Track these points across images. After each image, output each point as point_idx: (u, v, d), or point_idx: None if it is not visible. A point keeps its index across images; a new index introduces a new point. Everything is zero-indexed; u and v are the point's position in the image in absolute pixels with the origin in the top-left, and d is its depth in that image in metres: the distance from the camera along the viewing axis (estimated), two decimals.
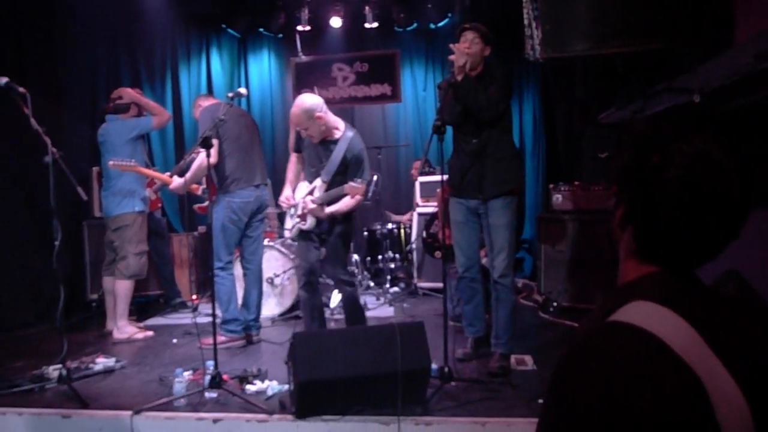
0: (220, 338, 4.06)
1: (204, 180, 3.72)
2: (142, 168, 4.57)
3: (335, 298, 5.22)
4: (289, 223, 4.00)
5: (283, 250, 5.30)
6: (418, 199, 6.36)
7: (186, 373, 3.46)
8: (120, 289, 4.65)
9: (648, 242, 1.03)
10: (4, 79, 3.54)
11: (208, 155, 3.53)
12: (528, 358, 3.80)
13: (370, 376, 2.90)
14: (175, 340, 4.62)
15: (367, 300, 5.63)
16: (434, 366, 3.13)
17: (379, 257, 6.20)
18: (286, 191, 3.95)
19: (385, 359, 2.91)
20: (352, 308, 3.97)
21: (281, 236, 5.95)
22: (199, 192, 4.91)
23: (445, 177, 3.70)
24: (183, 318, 5.39)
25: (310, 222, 3.82)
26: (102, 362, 3.88)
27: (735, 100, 3.15)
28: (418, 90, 7.70)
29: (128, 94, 4.87)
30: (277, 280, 5.23)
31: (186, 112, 7.22)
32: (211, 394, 3.21)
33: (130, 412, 3.02)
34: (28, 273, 5.19)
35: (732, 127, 3.51)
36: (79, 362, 3.84)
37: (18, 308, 5.11)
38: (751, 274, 2.81)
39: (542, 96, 7.29)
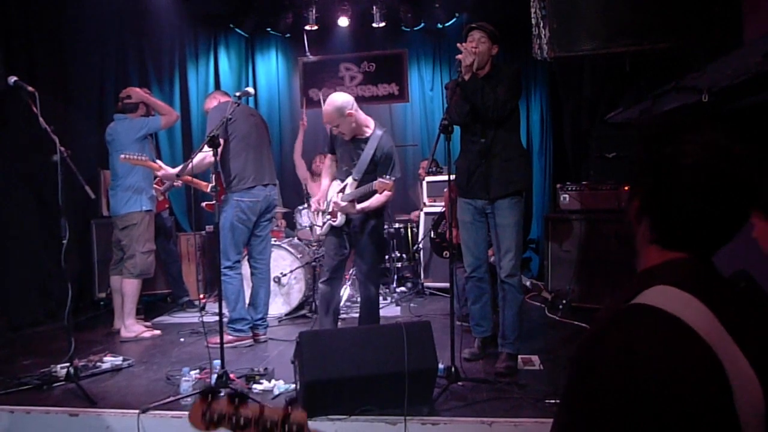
0: (227, 337, 4.07)
1: (213, 178, 3.72)
2: (152, 162, 4.57)
3: (342, 296, 5.23)
4: (319, 219, 4.06)
5: (290, 249, 5.31)
6: (425, 198, 6.36)
7: (193, 372, 3.46)
8: (127, 288, 4.67)
9: (667, 229, 1.05)
10: (13, 78, 3.57)
11: (215, 154, 3.54)
12: (535, 358, 3.79)
13: (376, 376, 2.89)
14: (182, 339, 4.64)
15: None
16: (441, 366, 3.13)
17: (386, 257, 6.20)
18: (320, 194, 4.03)
19: (391, 359, 2.90)
20: (369, 310, 3.99)
21: (288, 236, 5.97)
22: (208, 189, 4.91)
23: (452, 177, 3.69)
24: (190, 317, 5.41)
25: (340, 219, 3.88)
26: (110, 361, 3.90)
27: (744, 99, 3.13)
28: (426, 90, 7.69)
29: (137, 93, 4.88)
30: (284, 280, 5.24)
31: (194, 111, 7.25)
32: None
33: (137, 411, 3.02)
34: (37, 271, 5.22)
35: (740, 126, 3.49)
36: (87, 361, 3.86)
37: (27, 306, 5.13)
38: (763, 279, 2.79)
39: (550, 95, 7.27)
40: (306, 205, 5.89)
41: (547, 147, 7.30)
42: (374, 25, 7.10)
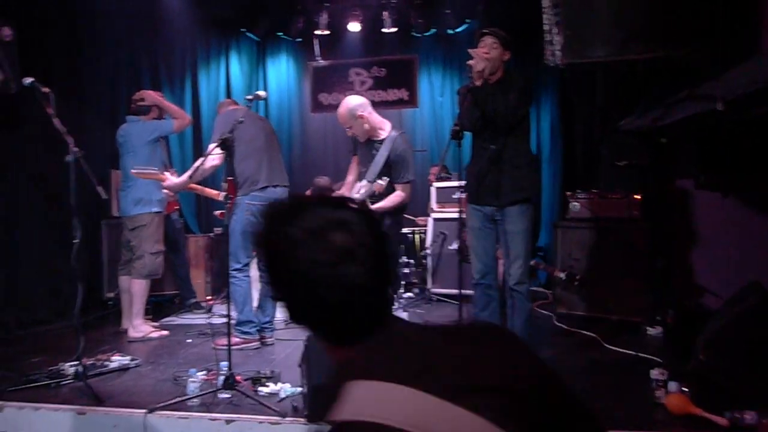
0: (234, 339, 4.06)
1: (225, 186, 3.74)
2: (160, 174, 4.59)
3: None
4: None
5: None
6: (433, 204, 6.34)
7: (200, 374, 3.46)
8: (136, 288, 4.68)
9: (323, 332, 1.02)
10: (29, 79, 3.60)
11: (229, 155, 3.55)
12: None
13: None
14: (189, 340, 4.64)
15: None
16: None
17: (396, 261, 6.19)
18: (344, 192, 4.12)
19: None
20: None
21: None
22: (220, 198, 4.92)
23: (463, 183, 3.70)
24: (197, 318, 5.41)
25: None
26: (117, 360, 3.91)
27: (760, 108, 3.10)
28: (435, 95, 7.69)
29: (150, 96, 4.91)
30: None
31: (205, 115, 7.28)
32: (224, 395, 3.21)
33: (144, 411, 3.03)
34: (47, 270, 5.25)
35: (757, 136, 3.47)
36: (95, 359, 3.87)
37: (36, 304, 5.16)
38: None
39: (560, 102, 7.24)
40: None
41: (556, 154, 7.27)
42: (385, 30, 7.12)
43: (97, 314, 5.47)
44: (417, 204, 7.27)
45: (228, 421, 2.95)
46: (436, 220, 6.20)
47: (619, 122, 4.96)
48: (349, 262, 0.93)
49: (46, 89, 3.56)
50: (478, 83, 3.38)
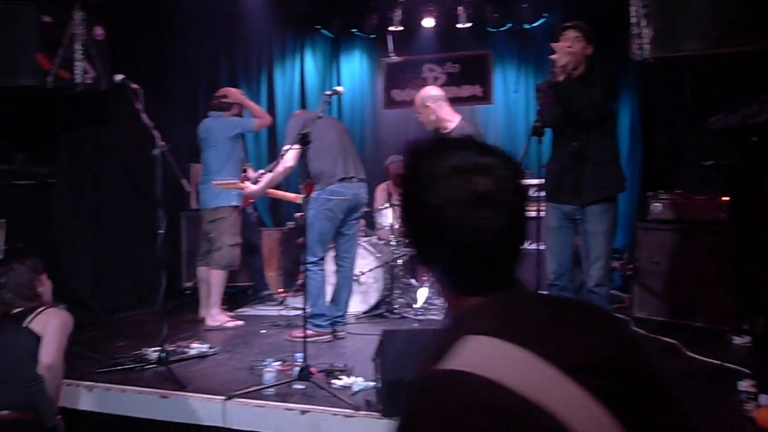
0: (307, 332, 4.13)
1: (304, 187, 3.81)
2: (240, 184, 4.72)
3: (420, 297, 5.21)
4: None
5: (369, 248, 5.34)
6: None
7: (275, 364, 3.53)
8: (214, 279, 4.83)
9: (449, 275, 0.98)
10: (120, 76, 3.77)
11: (305, 151, 3.61)
12: None
13: None
14: (263, 331, 4.75)
15: None
16: None
17: None
18: None
19: None
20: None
21: (368, 235, 6.01)
22: (300, 200, 5.01)
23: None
24: (270, 310, 5.54)
25: None
26: (196, 347, 4.05)
27: None
28: (509, 92, 7.54)
29: (233, 94, 5.07)
30: (362, 278, 5.27)
31: (279, 112, 7.41)
32: (298, 386, 3.27)
33: (222, 398, 3.12)
34: (131, 259, 5.49)
35: None
36: (175, 346, 4.02)
37: (121, 292, 5.41)
38: None
39: (641, 98, 6.96)
40: (387, 205, 5.91)
41: (636, 153, 6.98)
42: (459, 25, 7.03)
43: (176, 303, 5.68)
44: None
45: (303, 412, 3.00)
46: None
47: (706, 120, 4.73)
48: (488, 207, 0.90)
49: (135, 86, 3.72)
50: (560, 78, 3.29)
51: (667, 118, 6.11)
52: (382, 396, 2.94)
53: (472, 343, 0.86)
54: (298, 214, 5.36)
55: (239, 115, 5.06)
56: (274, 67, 7.54)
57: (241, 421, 3.07)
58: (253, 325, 4.96)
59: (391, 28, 7.18)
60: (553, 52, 3.32)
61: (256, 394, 3.17)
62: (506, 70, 7.55)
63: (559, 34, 3.46)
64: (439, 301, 5.41)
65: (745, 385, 2.92)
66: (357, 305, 5.27)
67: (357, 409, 2.98)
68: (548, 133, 3.55)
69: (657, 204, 5.09)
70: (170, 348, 3.88)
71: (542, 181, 3.66)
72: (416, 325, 4.96)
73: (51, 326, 2.64)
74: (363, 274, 5.27)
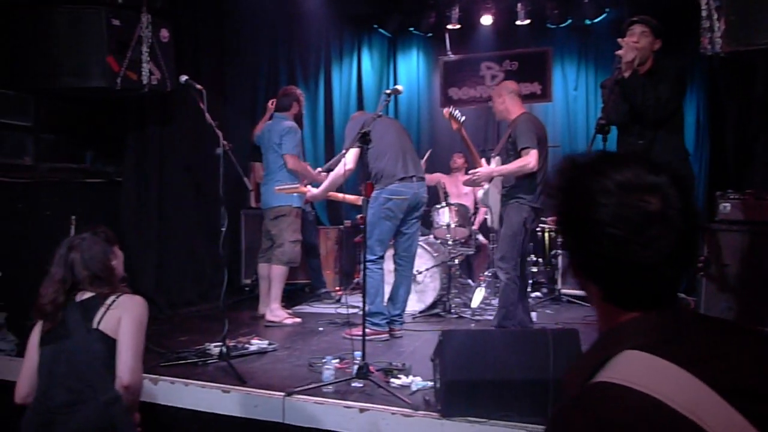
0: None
1: (365, 189, 3.82)
2: (303, 188, 4.78)
3: (477, 297, 5.16)
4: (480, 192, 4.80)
5: (426, 248, 5.33)
6: None
7: (334, 361, 3.56)
8: (276, 274, 4.92)
9: (609, 290, 0.94)
10: (184, 77, 3.88)
11: (365, 151, 3.62)
12: None
13: (518, 382, 2.81)
14: (321, 329, 4.80)
15: None
16: None
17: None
18: None
19: (535, 366, 2.80)
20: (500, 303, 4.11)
21: (424, 234, 5.99)
22: (361, 202, 5.03)
23: None
24: (327, 308, 5.59)
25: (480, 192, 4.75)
26: (256, 343, 4.12)
27: None
28: (569, 89, 7.39)
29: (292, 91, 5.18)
30: (419, 278, 5.26)
31: (337, 111, 7.48)
32: (357, 384, 3.28)
33: (282, 394, 3.16)
34: (193, 256, 5.63)
35: None
36: (236, 342, 4.10)
37: (183, 287, 5.55)
38: None
39: (708, 95, 6.70)
40: (444, 204, 5.88)
41: (703, 151, 6.73)
42: (518, 22, 6.93)
43: (235, 299, 5.80)
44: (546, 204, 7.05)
45: (361, 410, 3.01)
46: None
47: None
48: (658, 227, 0.89)
49: (199, 86, 3.81)
50: (626, 74, 3.19)
51: (737, 115, 5.85)
52: (440, 396, 2.92)
53: (630, 358, 0.86)
54: (359, 216, 5.39)
55: (299, 114, 5.15)
56: (331, 66, 7.61)
57: (300, 417, 3.10)
58: (311, 322, 5.02)
59: (448, 27, 7.14)
60: (619, 48, 3.21)
61: (315, 391, 3.19)
62: (566, 67, 7.41)
63: (626, 29, 3.35)
64: (495, 302, 5.35)
65: None
66: (414, 304, 5.26)
67: (416, 408, 2.97)
68: (613, 131, 3.45)
69: (726, 204, 4.86)
70: (231, 344, 3.95)
71: None
72: (473, 325, 4.92)
73: (126, 327, 2.25)
74: (420, 273, 5.26)
